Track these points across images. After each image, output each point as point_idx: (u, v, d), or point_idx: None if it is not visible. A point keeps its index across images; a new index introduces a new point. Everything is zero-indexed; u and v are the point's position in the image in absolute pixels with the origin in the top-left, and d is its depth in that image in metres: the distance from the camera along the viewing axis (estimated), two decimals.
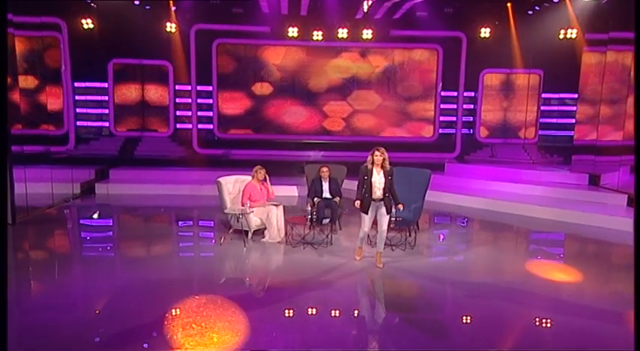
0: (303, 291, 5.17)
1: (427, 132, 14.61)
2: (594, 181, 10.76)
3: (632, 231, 7.67)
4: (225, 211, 7.07)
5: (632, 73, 11.58)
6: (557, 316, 4.66)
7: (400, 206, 5.84)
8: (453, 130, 14.74)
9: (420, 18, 13.01)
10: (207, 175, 10.38)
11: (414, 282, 5.65)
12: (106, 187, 10.66)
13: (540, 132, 14.49)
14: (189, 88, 14.01)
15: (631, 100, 13.07)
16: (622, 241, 7.50)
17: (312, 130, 14.33)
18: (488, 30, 13.38)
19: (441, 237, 7.89)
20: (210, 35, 13.65)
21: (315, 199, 7.43)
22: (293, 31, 13.42)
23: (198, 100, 14.13)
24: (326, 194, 7.58)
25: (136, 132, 13.89)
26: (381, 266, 5.86)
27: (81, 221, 8.82)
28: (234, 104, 14.20)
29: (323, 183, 7.65)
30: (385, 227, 5.80)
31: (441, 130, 14.70)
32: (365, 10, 12.49)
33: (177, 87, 14.01)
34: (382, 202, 5.70)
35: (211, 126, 14.22)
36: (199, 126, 14.15)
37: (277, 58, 14.10)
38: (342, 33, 13.49)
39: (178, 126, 14.13)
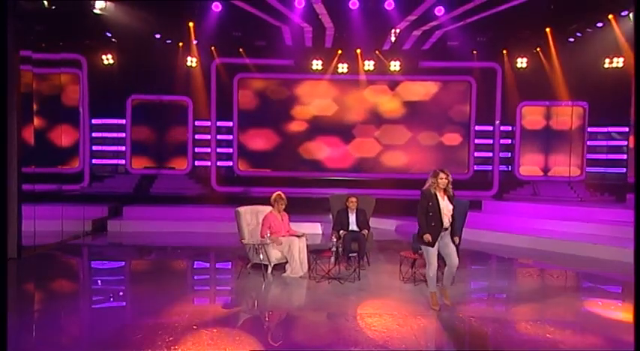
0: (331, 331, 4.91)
1: (461, 168, 14.38)
2: None
3: None
4: (244, 241, 6.95)
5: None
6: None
7: (456, 239, 5.39)
8: (489, 167, 14.49)
9: (452, 48, 13.18)
10: (225, 213, 10.35)
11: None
12: (119, 224, 10.74)
13: (588, 169, 14.10)
14: (209, 124, 14.35)
15: None
16: None
17: (338, 167, 14.33)
18: (525, 60, 13.42)
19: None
20: (232, 69, 14.11)
21: (341, 231, 7.27)
22: (317, 64, 13.76)
23: (218, 137, 14.42)
24: (353, 227, 7.42)
25: (153, 169, 14.15)
26: (448, 303, 5.44)
27: (87, 257, 8.83)
28: (255, 140, 14.42)
29: (350, 215, 7.51)
30: (457, 261, 5.33)
31: (476, 167, 14.47)
32: (393, 40, 12.74)
33: (196, 123, 14.37)
34: (447, 232, 5.30)
35: (231, 163, 14.40)
36: (218, 163, 14.35)
37: (301, 92, 14.40)
38: (369, 65, 13.75)
39: (197, 163, 14.36)
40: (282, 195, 7.06)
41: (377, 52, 13.62)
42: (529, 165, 14.46)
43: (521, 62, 13.50)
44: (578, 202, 12.74)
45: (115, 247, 9.72)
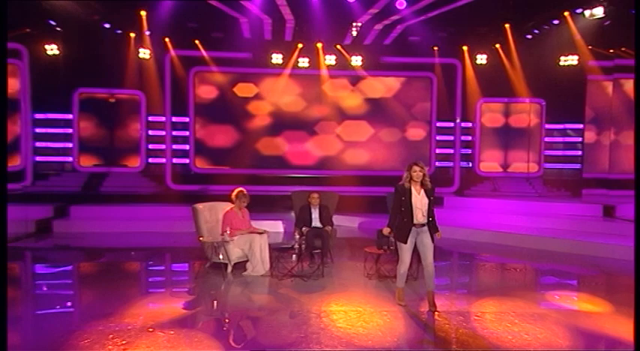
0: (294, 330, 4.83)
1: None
2: (609, 213, 10.73)
3: None
4: (202, 239, 6.76)
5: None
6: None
7: (439, 235, 5.25)
8: (450, 163, 14.79)
9: (413, 43, 13.35)
10: (181, 211, 10.08)
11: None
12: (65, 225, 10.26)
13: (545, 165, 14.62)
14: (163, 119, 13.95)
15: None
16: None
17: (299, 164, 14.25)
18: (484, 56, 13.75)
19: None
20: (188, 62, 13.75)
21: (304, 228, 7.20)
22: (277, 58, 13.62)
23: (173, 133, 14.05)
24: (316, 223, 7.38)
25: (103, 167, 13.62)
26: (435, 309, 5.20)
27: (30, 261, 8.37)
28: (213, 136, 14.14)
29: (312, 211, 7.46)
30: (432, 259, 5.16)
31: (437, 163, 14.74)
32: (354, 35, 12.78)
33: (150, 118, 13.95)
34: (424, 228, 5.15)
35: (187, 160, 14.05)
36: (174, 160, 13.98)
37: (261, 86, 14.21)
38: (330, 60, 13.73)
39: (150, 160, 13.94)
40: (245, 191, 6.93)
41: (338, 46, 13.63)
42: (489, 161, 14.86)
43: (481, 58, 13.83)
44: (536, 197, 13.19)
45: (60, 249, 9.26)
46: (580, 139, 14.14)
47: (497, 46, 13.44)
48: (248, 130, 14.19)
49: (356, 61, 13.80)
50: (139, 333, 4.50)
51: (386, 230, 5.35)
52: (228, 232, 6.53)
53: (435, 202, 5.26)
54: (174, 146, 14.04)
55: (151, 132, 13.97)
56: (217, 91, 14.16)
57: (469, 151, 14.86)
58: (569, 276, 7.67)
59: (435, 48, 13.75)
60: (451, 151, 14.75)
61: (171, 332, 4.56)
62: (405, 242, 5.16)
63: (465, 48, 13.87)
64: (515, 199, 12.34)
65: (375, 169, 14.31)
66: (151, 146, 13.98)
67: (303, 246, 6.63)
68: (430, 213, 5.17)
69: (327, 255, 7.11)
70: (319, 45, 13.62)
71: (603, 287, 7.03)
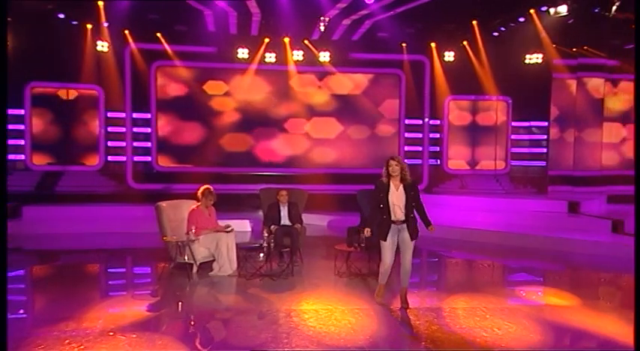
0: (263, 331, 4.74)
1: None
2: (574, 209, 11.05)
3: (618, 256, 8.11)
4: (165, 239, 6.57)
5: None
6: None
7: (432, 228, 5.16)
8: (419, 161, 14.94)
9: (381, 40, 13.40)
10: (143, 211, 9.79)
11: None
12: (16, 226, 9.79)
13: (512, 162, 14.95)
14: (123, 115, 13.54)
15: (606, 130, 13.99)
16: (610, 266, 7.62)
17: (266, 162, 14.09)
18: (452, 53, 13.94)
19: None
20: (149, 56, 13.37)
21: (273, 226, 7.10)
22: (243, 53, 13.43)
23: (134, 129, 13.66)
24: (285, 221, 7.30)
25: (58, 165, 13.11)
26: (407, 307, 5.21)
27: None
28: (176, 133, 13.82)
29: (281, 208, 7.38)
30: (410, 257, 5.13)
31: (406, 161, 14.79)
32: (322, 30, 12.74)
33: (109, 114, 13.50)
34: (405, 225, 5.09)
35: (149, 158, 13.69)
36: (135, 158, 13.59)
37: (226, 82, 13.98)
38: (298, 55, 13.64)
39: (110, 158, 13.51)
40: (211, 189, 6.80)
41: (306, 41, 13.55)
42: (457, 159, 15.09)
43: (449, 56, 14.00)
44: (503, 194, 13.48)
45: (12, 252, 8.77)
46: (545, 137, 14.52)
47: (465, 43, 13.64)
48: (214, 127, 13.91)
49: (324, 56, 13.73)
50: (98, 337, 4.32)
51: (366, 231, 5.24)
52: (194, 230, 6.37)
53: (416, 196, 5.10)
54: (136, 144, 13.64)
55: (110, 129, 13.53)
56: (181, 87, 13.84)
57: (437, 149, 15.04)
58: (537, 271, 7.86)
59: (404, 44, 13.84)
60: (420, 148, 14.90)
61: (134, 336, 4.40)
62: (385, 240, 5.08)
63: (432, 45, 14.02)
64: (482, 196, 12.59)
65: (344, 166, 14.30)
66: (110, 144, 13.53)
67: (272, 244, 6.53)
68: (410, 209, 5.05)
69: (296, 253, 7.03)
70: (286, 40, 13.49)
71: (569, 281, 7.22)
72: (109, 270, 7.62)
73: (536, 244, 8.99)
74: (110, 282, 7.28)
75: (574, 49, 13.21)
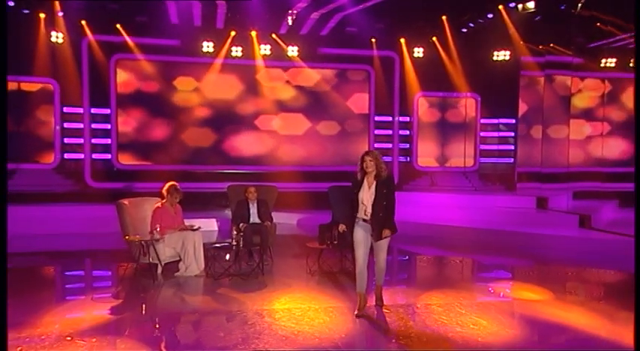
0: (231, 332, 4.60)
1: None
2: (542, 205, 11.31)
3: (586, 251, 8.37)
4: (127, 238, 6.33)
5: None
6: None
7: (387, 232, 4.86)
8: (389, 158, 14.99)
9: (350, 35, 13.38)
10: (103, 211, 9.45)
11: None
12: None
13: (480, 159, 15.19)
14: (80, 111, 13.07)
15: (572, 127, 14.39)
16: (578, 260, 7.81)
17: (233, 159, 13.85)
18: (421, 49, 14.05)
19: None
20: (108, 48, 12.93)
21: (242, 224, 6.96)
22: (208, 46, 13.17)
23: (93, 126, 13.20)
24: (254, 218, 7.17)
25: (10, 163, 12.51)
26: (382, 304, 5.14)
27: None
28: (139, 129, 13.44)
29: (250, 206, 7.25)
30: (384, 256, 4.98)
31: None
32: (290, 23, 12.61)
33: (65, 109, 13.00)
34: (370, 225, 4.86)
35: (109, 155, 13.26)
36: (94, 155, 13.14)
37: (190, 76, 13.67)
38: (265, 49, 13.48)
39: (66, 156, 13.02)
40: (177, 186, 6.59)
41: (273, 35, 13.40)
42: (426, 156, 15.23)
43: (418, 52, 14.11)
44: (472, 191, 13.69)
45: None
46: (513, 134, 14.82)
47: (435, 39, 13.76)
48: (178, 123, 13.59)
49: (292, 51, 13.62)
50: (55, 343, 4.09)
51: (341, 227, 5.20)
52: (158, 229, 6.16)
53: (388, 195, 4.90)
54: (94, 140, 13.19)
55: (66, 125, 13.04)
56: (143, 81, 13.46)
57: (407, 146, 15.14)
58: (508, 266, 7.98)
59: (373, 40, 13.86)
60: (390, 145, 14.97)
61: (94, 340, 4.19)
62: (352, 236, 5.01)
63: (402, 40, 14.09)
64: (452, 193, 12.75)
65: (314, 164, 14.21)
66: (66, 140, 13.04)
67: (241, 243, 6.38)
68: (378, 208, 4.82)
69: (266, 252, 6.91)
70: (253, 33, 13.31)
71: (540, 276, 7.34)
72: (65, 273, 7.31)
73: (506, 239, 9.15)
74: (67, 285, 6.98)
75: (541, 47, 13.52)
